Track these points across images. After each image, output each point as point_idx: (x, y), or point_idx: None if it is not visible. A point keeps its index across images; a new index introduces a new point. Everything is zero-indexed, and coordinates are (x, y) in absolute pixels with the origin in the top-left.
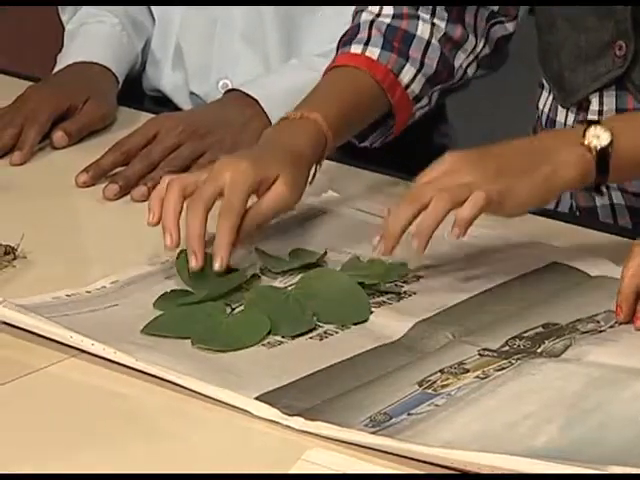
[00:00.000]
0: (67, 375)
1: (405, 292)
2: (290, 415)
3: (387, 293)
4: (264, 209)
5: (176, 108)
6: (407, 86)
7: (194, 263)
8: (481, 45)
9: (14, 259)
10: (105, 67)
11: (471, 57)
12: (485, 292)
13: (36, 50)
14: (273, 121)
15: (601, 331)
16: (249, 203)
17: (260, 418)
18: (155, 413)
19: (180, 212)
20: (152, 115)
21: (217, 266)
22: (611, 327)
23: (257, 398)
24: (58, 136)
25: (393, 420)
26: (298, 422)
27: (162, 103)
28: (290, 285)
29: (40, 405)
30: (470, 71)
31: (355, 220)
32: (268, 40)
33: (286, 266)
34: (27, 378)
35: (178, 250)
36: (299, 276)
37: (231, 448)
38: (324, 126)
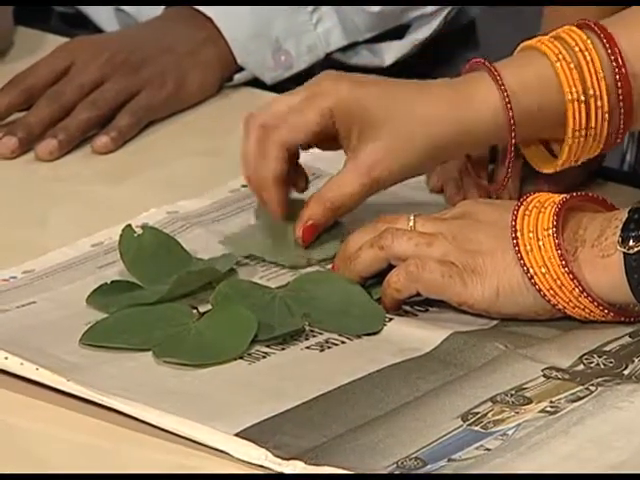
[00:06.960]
0: None
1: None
2: (285, 459)
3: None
4: None
5: (97, 29)
6: None
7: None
8: None
9: None
10: None
11: None
12: None
13: None
14: (233, 48)
15: None
16: None
17: (241, 461)
18: (64, 454)
19: None
20: (63, 39)
21: None
22: None
23: (238, 434)
24: None
25: (429, 467)
26: (296, 468)
27: (77, 22)
28: (278, 287)
29: None
30: None
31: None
32: None
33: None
34: None
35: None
36: (291, 278)
37: None
38: None
